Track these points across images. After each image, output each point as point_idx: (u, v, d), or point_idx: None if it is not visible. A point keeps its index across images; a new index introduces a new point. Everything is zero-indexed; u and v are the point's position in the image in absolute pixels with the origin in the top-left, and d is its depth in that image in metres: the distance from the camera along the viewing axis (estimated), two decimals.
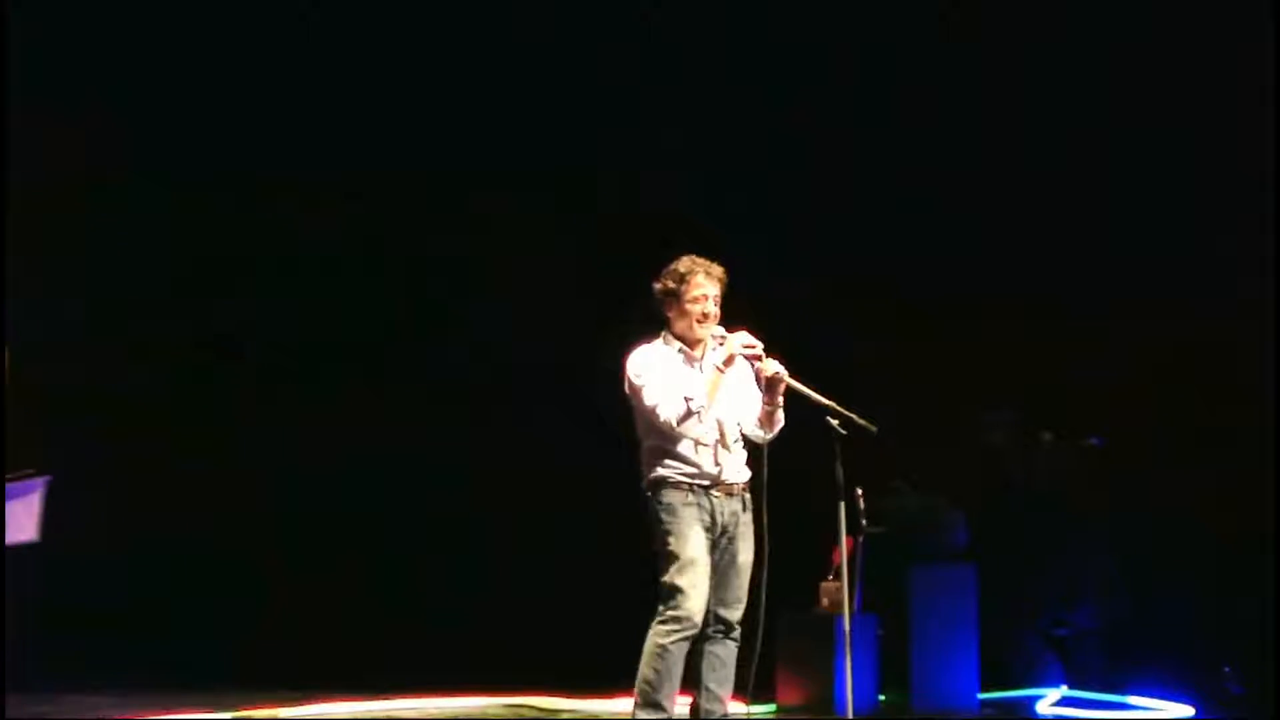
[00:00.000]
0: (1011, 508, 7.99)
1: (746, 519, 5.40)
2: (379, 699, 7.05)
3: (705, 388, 5.28)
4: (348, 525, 9.06)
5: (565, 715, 6.89)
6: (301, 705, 6.84)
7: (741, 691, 5.67)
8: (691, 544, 5.22)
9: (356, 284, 9.49)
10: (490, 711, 7.02)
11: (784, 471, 5.35)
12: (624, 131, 8.96)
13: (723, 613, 5.30)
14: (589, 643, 5.96)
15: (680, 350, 5.41)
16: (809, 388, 5.30)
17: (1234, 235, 7.77)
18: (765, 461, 5.36)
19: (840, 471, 5.30)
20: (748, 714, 5.85)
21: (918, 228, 8.61)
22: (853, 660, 5.49)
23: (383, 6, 8.96)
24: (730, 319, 5.45)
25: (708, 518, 5.31)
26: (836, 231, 8.69)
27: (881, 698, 7.10)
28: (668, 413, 5.24)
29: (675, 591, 5.18)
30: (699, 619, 5.19)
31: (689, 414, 5.22)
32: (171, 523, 8.75)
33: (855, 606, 6.77)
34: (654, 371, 5.34)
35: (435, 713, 6.91)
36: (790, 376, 5.33)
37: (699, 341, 5.39)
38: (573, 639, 7.20)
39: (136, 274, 9.07)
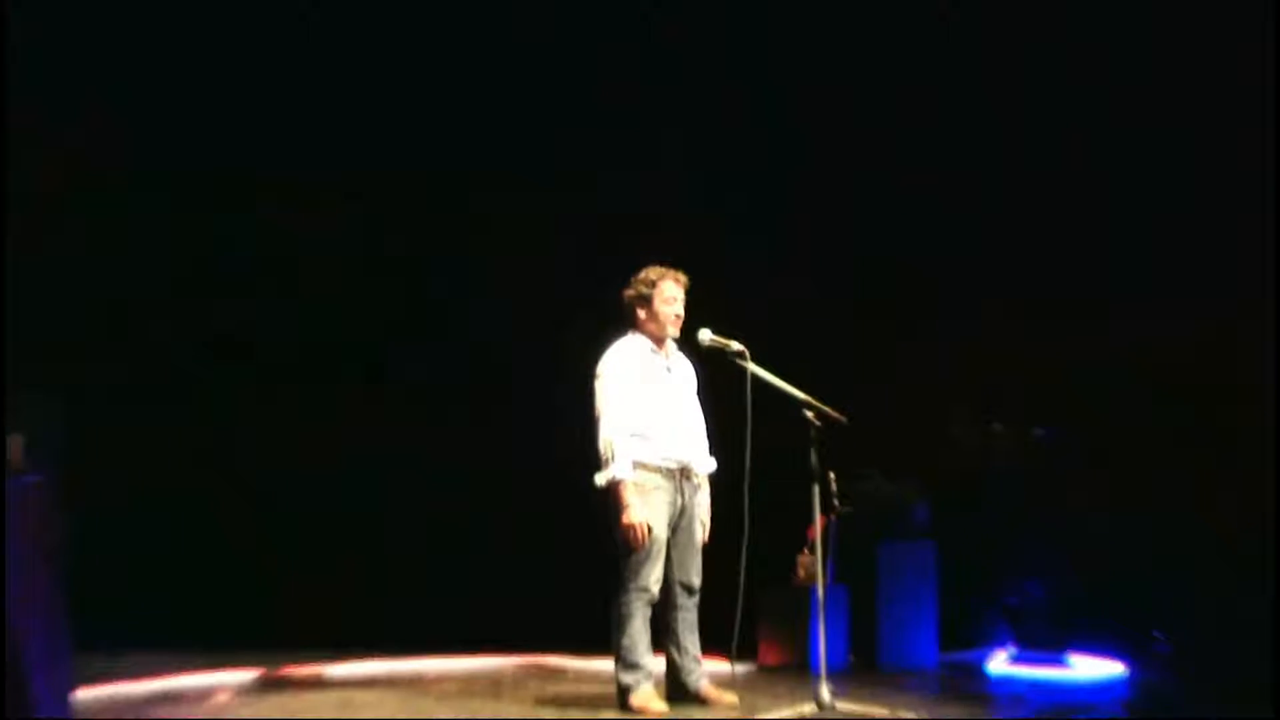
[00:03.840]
0: (969, 491, 8.08)
1: (699, 499, 5.87)
2: (408, 658, 7.23)
3: (624, 465, 5.61)
4: (348, 525, 8.93)
5: (571, 672, 7.10)
6: (340, 663, 7.02)
7: (726, 651, 6.00)
8: (655, 523, 5.68)
9: (356, 284, 9.40)
10: (505, 669, 7.19)
11: (766, 458, 5.68)
12: (624, 132, 8.81)
13: (686, 581, 5.81)
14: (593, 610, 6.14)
15: (650, 349, 5.87)
16: (787, 384, 5.71)
17: (1234, 235, 7.61)
18: (749, 450, 5.67)
19: (815, 458, 5.59)
20: (732, 671, 6.20)
21: (903, 231, 8.55)
22: (826, 625, 5.75)
23: (383, 7, 8.78)
24: (721, 319, 5.87)
25: (672, 499, 5.78)
26: (813, 240, 8.69)
27: (851, 658, 7.35)
28: (607, 442, 5.66)
29: (640, 566, 5.66)
30: (657, 589, 5.67)
31: (608, 462, 5.64)
32: (173, 521, 8.63)
33: (828, 578, 7.07)
34: (620, 392, 5.73)
35: (458, 670, 7.06)
36: (771, 374, 5.71)
37: (664, 340, 5.86)
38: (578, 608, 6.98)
39: (136, 274, 8.83)
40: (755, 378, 5.74)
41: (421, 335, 9.27)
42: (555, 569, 8.14)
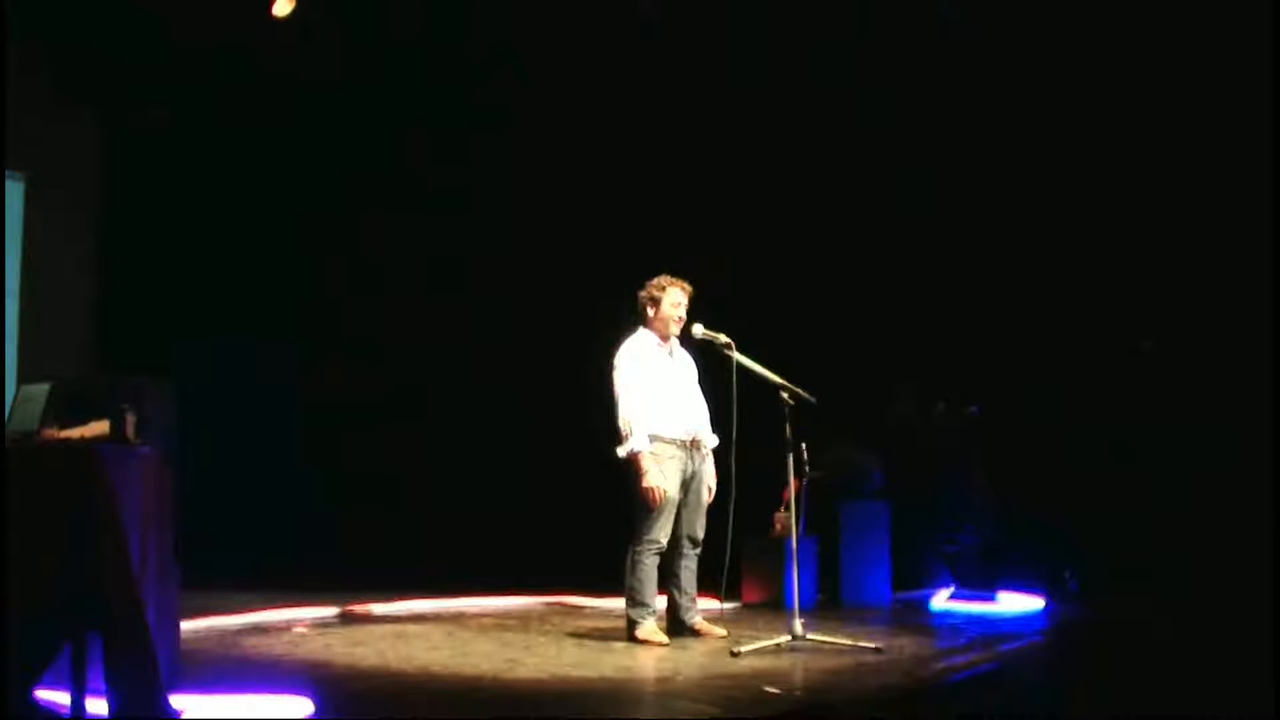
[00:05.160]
0: (915, 459, 7.98)
1: (706, 467, 5.90)
2: (452, 597, 7.20)
3: (641, 438, 5.65)
4: (398, 487, 8.56)
5: (588, 609, 7.12)
6: (393, 602, 6.97)
7: (716, 592, 6.19)
8: (669, 486, 5.74)
9: (358, 282, 8.90)
10: (534, 607, 7.20)
11: (750, 432, 5.76)
12: (623, 131, 8.31)
13: (693, 535, 5.87)
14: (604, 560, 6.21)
15: (657, 344, 5.92)
16: (767, 370, 5.73)
17: (1230, 234, 7.21)
18: (734, 427, 5.75)
19: (789, 431, 5.66)
20: (721, 609, 6.39)
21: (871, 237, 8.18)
22: (799, 569, 5.85)
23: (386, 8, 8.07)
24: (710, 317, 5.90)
25: (683, 466, 5.83)
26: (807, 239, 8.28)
27: (819, 597, 7.46)
28: (626, 421, 5.71)
29: (654, 522, 5.71)
30: (666, 541, 5.73)
31: (628, 436, 5.68)
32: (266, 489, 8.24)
33: (800, 531, 6.98)
34: (635, 378, 5.75)
35: (493, 608, 7.07)
36: (753, 362, 5.74)
37: (669, 335, 5.92)
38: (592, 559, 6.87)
39: (138, 272, 8.17)
40: (740, 365, 5.75)
41: (421, 334, 8.71)
42: (574, 527, 8.02)
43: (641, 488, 5.69)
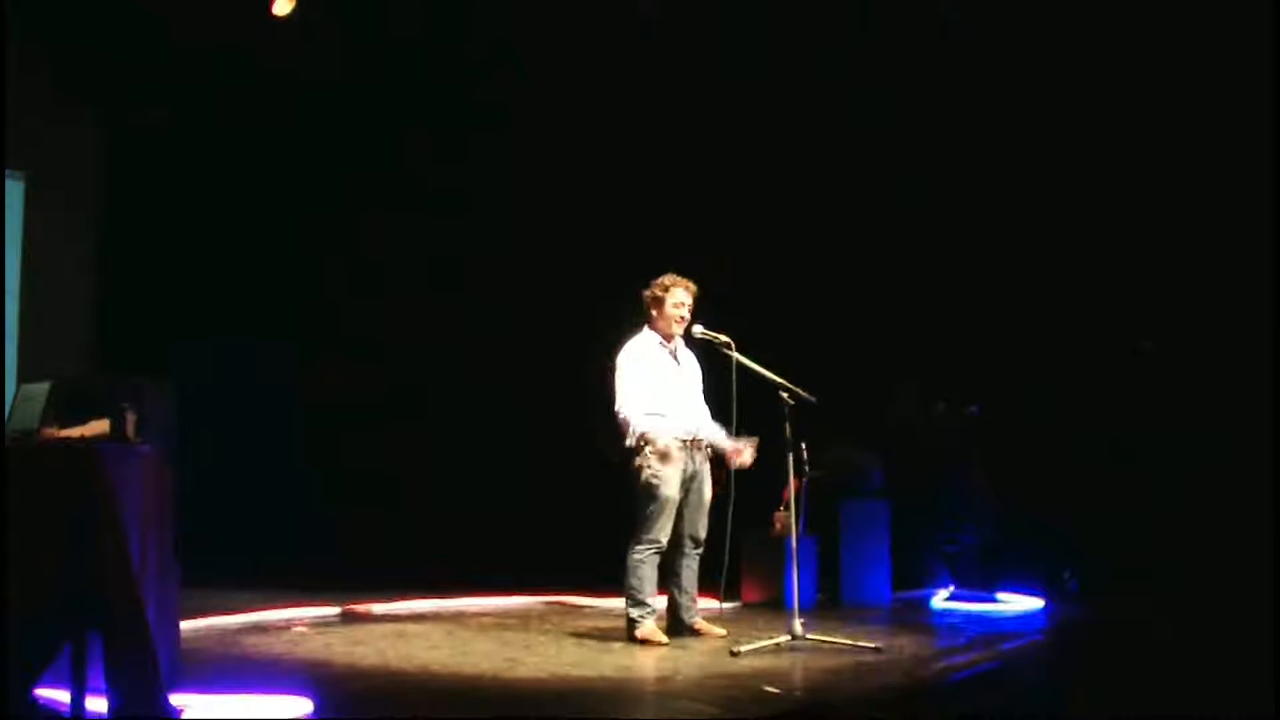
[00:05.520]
0: (915, 458, 8.00)
1: (707, 467, 5.89)
2: (449, 597, 7.18)
3: (644, 421, 5.67)
4: (398, 487, 8.59)
5: (588, 609, 7.11)
6: (393, 601, 6.95)
7: (716, 592, 6.20)
8: (671, 486, 5.73)
9: (358, 282, 8.91)
10: (533, 607, 7.20)
11: (750, 432, 5.80)
12: (624, 131, 8.34)
13: (694, 534, 5.86)
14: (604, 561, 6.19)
15: (660, 343, 5.91)
16: (766, 370, 5.73)
17: (1230, 234, 7.30)
18: (734, 426, 5.75)
19: (789, 431, 5.68)
20: (720, 609, 6.40)
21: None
22: (799, 569, 5.86)
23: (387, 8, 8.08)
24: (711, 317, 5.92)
25: (684, 466, 5.81)
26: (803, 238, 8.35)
27: (819, 596, 7.48)
28: (625, 415, 5.73)
29: (654, 521, 5.71)
30: (666, 541, 5.72)
31: (629, 423, 5.69)
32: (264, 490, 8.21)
33: (800, 530, 6.95)
34: (637, 377, 5.77)
35: (493, 607, 7.05)
36: (753, 362, 5.74)
37: (672, 335, 5.91)
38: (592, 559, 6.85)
39: (138, 272, 8.16)
40: (740, 365, 5.74)
41: (422, 334, 8.72)
42: (574, 527, 8.00)
43: (658, 452, 5.65)
